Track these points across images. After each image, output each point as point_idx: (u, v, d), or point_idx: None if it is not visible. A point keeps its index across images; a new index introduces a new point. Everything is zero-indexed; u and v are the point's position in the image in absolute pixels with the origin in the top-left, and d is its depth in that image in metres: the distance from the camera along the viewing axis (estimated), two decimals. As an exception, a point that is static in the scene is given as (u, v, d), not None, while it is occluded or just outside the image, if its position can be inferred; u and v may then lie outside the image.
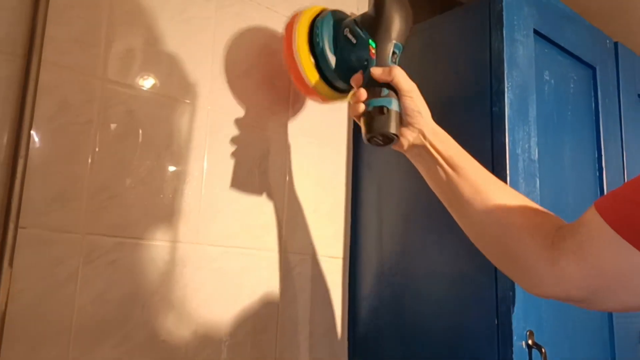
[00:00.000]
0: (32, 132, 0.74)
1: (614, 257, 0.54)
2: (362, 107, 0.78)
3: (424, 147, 0.75)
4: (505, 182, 0.89)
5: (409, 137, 0.77)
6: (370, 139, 0.78)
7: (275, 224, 1.02)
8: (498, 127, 0.93)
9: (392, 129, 0.75)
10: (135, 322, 0.82)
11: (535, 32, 1.03)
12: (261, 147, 1.02)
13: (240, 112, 0.99)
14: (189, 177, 0.91)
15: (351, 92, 0.88)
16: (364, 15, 0.87)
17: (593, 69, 1.18)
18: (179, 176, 0.90)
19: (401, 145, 0.78)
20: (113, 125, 0.83)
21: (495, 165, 0.91)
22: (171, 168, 0.89)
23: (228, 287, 0.94)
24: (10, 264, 0.69)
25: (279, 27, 1.07)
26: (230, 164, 0.97)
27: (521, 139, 0.94)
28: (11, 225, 0.70)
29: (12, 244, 0.70)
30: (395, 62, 0.81)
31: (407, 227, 1.04)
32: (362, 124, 0.79)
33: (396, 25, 0.82)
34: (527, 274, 0.63)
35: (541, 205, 0.94)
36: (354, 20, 0.88)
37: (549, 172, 1.01)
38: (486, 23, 0.98)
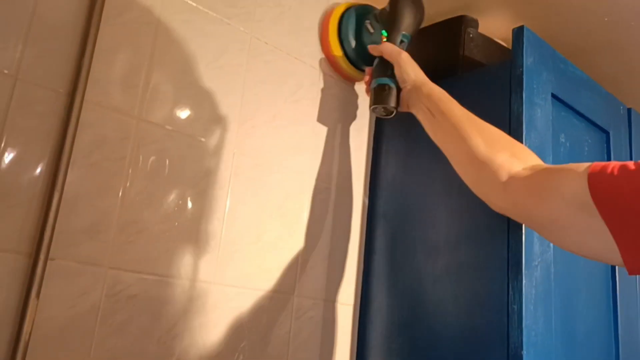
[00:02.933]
0: (69, 166, 0.77)
1: (576, 214, 0.62)
2: (371, 84, 0.99)
3: (417, 101, 0.91)
4: (521, 243, 0.91)
5: (405, 97, 0.95)
6: (373, 109, 0.98)
7: (291, 267, 1.04)
8: (515, 187, 0.95)
9: (391, 103, 0.95)
10: (150, 357, 0.83)
11: (553, 96, 1.06)
12: (281, 191, 1.04)
13: (264, 156, 1.02)
14: (211, 217, 0.93)
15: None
16: (382, 10, 1.08)
17: (607, 133, 1.21)
18: (202, 215, 0.92)
19: (403, 109, 0.96)
20: (144, 163, 0.86)
21: (511, 225, 0.93)
22: (195, 207, 0.91)
23: (242, 327, 0.95)
24: (37, 295, 0.71)
25: (305, 75, 1.11)
26: (251, 206, 0.99)
27: (537, 199, 0.96)
28: (42, 257, 0.72)
29: (41, 275, 0.72)
30: (403, 49, 1.00)
31: (421, 278, 1.06)
32: (370, 98, 0.99)
33: (405, 19, 1.02)
34: (492, 199, 0.79)
35: (554, 268, 0.96)
36: (374, 14, 1.10)
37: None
38: (506, 86, 1.02)
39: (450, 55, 1.18)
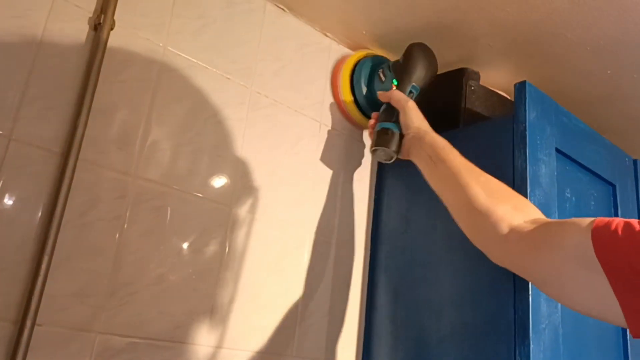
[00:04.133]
0: (61, 227, 0.75)
1: (578, 271, 0.60)
2: (375, 127, 1.00)
3: (418, 149, 0.91)
4: (527, 305, 0.88)
5: (406, 144, 0.95)
6: (373, 152, 0.99)
7: (289, 326, 1.00)
8: (520, 246, 0.92)
9: (392, 147, 0.96)
10: None
11: (557, 150, 1.04)
12: (280, 246, 1.02)
13: (263, 210, 1.00)
14: (206, 276, 0.91)
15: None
16: (396, 61, 1.10)
17: (613, 186, 1.19)
18: (197, 274, 0.89)
19: (404, 155, 0.97)
20: (139, 222, 0.84)
21: (517, 286, 0.90)
22: (190, 266, 0.89)
23: (237, 393, 0.91)
24: (23, 365, 0.68)
25: (306, 128, 1.10)
26: (248, 262, 0.96)
27: (543, 258, 0.93)
28: (28, 324, 0.69)
29: (26, 342, 0.69)
30: (411, 99, 1.01)
31: (424, 338, 1.02)
32: (372, 140, 1.00)
33: (417, 71, 1.04)
34: (491, 251, 0.75)
35: (562, 330, 0.93)
36: (388, 64, 1.11)
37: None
38: (509, 141, 1.00)
39: (451, 107, 1.17)
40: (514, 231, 0.71)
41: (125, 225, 0.82)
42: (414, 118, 0.96)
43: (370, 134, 1.04)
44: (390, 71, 1.09)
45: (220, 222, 0.94)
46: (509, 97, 1.24)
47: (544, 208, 0.97)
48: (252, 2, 1.05)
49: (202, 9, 0.97)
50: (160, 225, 0.86)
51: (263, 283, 0.98)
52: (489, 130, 1.07)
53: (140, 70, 0.87)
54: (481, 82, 1.20)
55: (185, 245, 0.89)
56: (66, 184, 0.75)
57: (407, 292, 1.08)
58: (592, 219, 0.61)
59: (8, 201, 0.72)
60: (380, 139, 0.97)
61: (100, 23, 0.81)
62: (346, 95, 1.14)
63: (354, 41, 1.20)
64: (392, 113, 0.99)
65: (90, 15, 0.83)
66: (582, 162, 1.11)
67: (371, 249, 1.17)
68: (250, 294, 0.96)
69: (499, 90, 1.25)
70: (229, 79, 0.99)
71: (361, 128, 1.20)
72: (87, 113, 0.78)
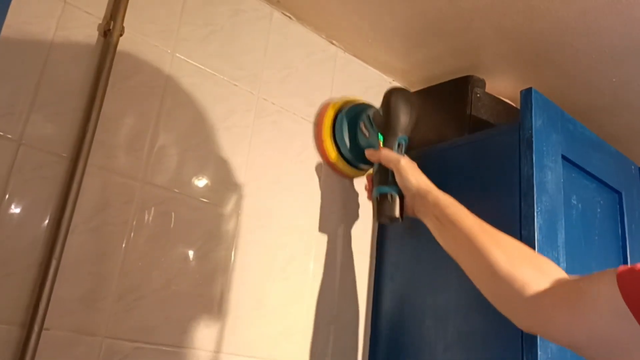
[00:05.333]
0: (70, 232, 0.75)
1: (613, 324, 0.57)
2: (373, 193, 0.95)
3: (423, 208, 0.87)
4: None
5: (409, 204, 0.91)
6: (378, 219, 0.94)
7: (295, 333, 1.00)
8: (527, 253, 0.92)
9: (395, 214, 0.91)
10: None
11: (563, 157, 1.04)
12: (285, 253, 1.02)
13: (268, 217, 1.00)
14: (213, 281, 0.91)
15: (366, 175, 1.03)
16: (375, 112, 1.02)
17: (619, 193, 1.19)
18: (204, 280, 0.89)
19: (409, 214, 0.92)
20: (147, 226, 0.84)
21: (525, 293, 0.90)
22: (197, 271, 0.89)
23: (242, 399, 0.90)
24: (29, 369, 0.68)
25: (311, 135, 1.11)
26: (255, 269, 0.96)
27: (550, 265, 0.93)
28: (36, 328, 0.69)
29: (34, 346, 0.69)
30: (401, 152, 0.96)
31: (431, 345, 1.01)
32: (373, 207, 0.95)
33: (401, 121, 0.97)
34: (520, 318, 0.71)
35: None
36: (368, 115, 1.04)
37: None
38: (516, 148, 1.00)
39: (457, 114, 1.17)
40: (542, 295, 0.67)
41: (133, 230, 0.82)
42: (411, 178, 0.90)
43: (369, 198, 0.99)
44: (372, 124, 1.02)
45: (226, 227, 0.94)
46: (514, 105, 1.24)
47: (550, 215, 0.97)
48: (259, 10, 1.06)
49: (210, 17, 0.98)
50: (167, 230, 0.86)
51: (269, 289, 0.98)
52: (495, 138, 1.07)
53: (149, 76, 0.88)
54: (486, 90, 1.21)
55: (191, 251, 0.89)
56: (75, 188, 0.75)
57: (413, 299, 1.07)
58: (615, 268, 0.59)
59: (17, 205, 0.73)
60: (382, 206, 0.92)
61: (110, 29, 0.82)
62: (331, 153, 1.08)
63: (360, 49, 1.21)
64: (386, 174, 0.93)
65: (100, 21, 0.84)
66: (588, 170, 1.11)
67: (377, 255, 1.17)
68: (256, 300, 0.96)
69: (504, 98, 1.25)
70: (236, 85, 1.00)
71: (352, 178, 1.15)
72: (96, 118, 0.79)
